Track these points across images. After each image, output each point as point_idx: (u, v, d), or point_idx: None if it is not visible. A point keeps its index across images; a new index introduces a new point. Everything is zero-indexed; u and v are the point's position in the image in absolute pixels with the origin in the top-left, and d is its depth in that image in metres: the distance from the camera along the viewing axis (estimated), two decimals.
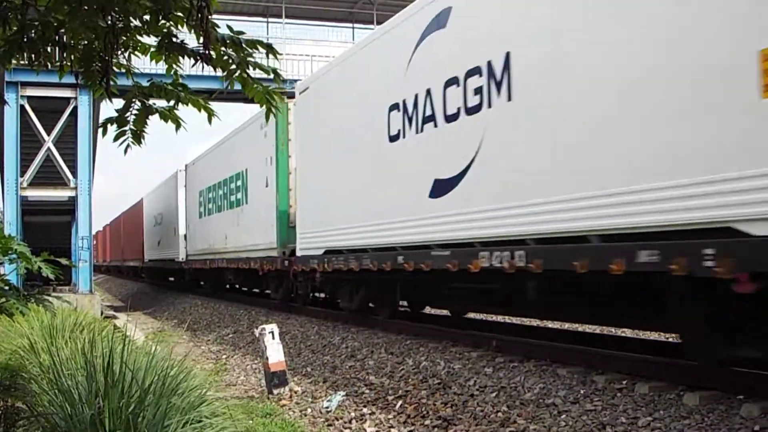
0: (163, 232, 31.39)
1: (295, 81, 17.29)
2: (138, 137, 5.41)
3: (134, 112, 5.36)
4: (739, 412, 5.67)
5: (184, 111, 5.51)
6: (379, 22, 24.30)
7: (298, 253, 14.52)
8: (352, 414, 7.98)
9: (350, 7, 28.18)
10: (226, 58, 5.00)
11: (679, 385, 6.51)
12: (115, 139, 5.34)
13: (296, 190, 15.19)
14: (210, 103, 5.62)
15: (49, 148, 22.02)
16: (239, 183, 19.63)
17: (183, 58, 5.17)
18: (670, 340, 9.76)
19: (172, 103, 5.38)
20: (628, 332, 10.95)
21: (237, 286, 24.00)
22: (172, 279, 34.39)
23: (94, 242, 64.37)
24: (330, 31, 29.35)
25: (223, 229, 21.41)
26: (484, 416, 7.06)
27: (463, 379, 8.28)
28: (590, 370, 7.56)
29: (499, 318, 14.01)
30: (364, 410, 8.04)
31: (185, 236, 26.90)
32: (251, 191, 18.59)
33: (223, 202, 21.43)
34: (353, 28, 28.63)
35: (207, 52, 4.62)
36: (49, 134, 22.02)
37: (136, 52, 5.27)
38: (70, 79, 5.47)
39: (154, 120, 5.46)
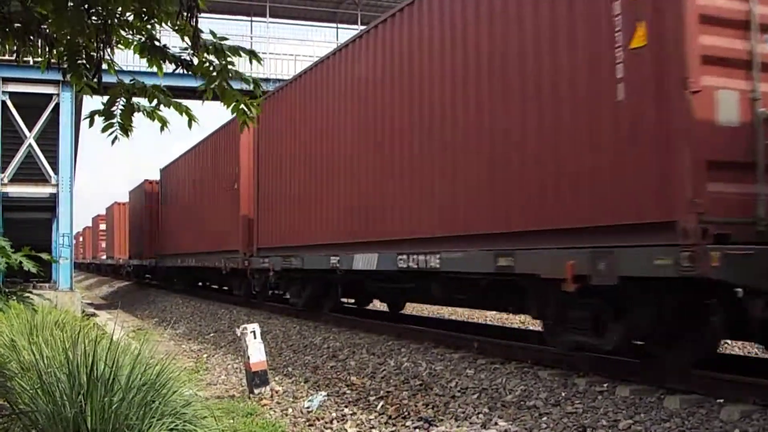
0: None
1: (279, 81, 17.35)
2: (125, 130, 5.45)
3: (120, 107, 5.40)
4: (719, 416, 5.72)
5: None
6: (363, 23, 24.31)
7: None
8: (334, 414, 7.97)
9: (335, 8, 28.14)
10: (207, 65, 5.02)
11: (659, 388, 6.56)
12: (103, 130, 5.40)
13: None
14: (195, 101, 5.66)
15: (30, 145, 21.75)
16: None
17: (165, 62, 5.21)
18: None
19: (155, 102, 5.42)
20: None
21: None
22: None
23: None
24: (314, 30, 29.33)
25: None
26: (465, 418, 7.07)
27: (444, 380, 8.29)
28: (571, 372, 7.60)
29: (481, 319, 14.03)
30: (346, 410, 8.04)
31: None
32: None
33: None
34: (337, 28, 28.59)
35: (195, 52, 4.63)
36: (30, 130, 21.78)
37: (119, 46, 5.29)
38: (52, 76, 5.52)
39: (138, 117, 5.50)
